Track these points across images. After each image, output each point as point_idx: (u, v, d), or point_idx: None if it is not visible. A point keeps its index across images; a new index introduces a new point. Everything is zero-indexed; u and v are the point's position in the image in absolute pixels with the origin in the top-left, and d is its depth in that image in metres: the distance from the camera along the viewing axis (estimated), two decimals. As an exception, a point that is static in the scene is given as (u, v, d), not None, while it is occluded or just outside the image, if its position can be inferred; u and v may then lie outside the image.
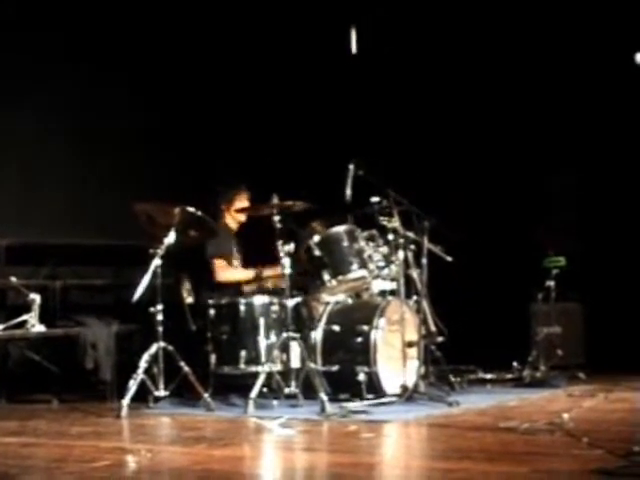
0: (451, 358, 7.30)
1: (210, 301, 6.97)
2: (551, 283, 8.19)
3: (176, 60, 8.92)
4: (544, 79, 8.95)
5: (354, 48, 9.35)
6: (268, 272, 7.26)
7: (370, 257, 6.97)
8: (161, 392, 6.53)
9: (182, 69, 9.00)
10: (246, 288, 7.35)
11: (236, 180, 7.64)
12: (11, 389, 7.35)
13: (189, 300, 7.34)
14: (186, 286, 7.37)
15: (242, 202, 7.49)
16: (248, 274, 7.35)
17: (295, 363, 6.64)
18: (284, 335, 6.60)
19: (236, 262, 7.48)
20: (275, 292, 7.00)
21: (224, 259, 7.36)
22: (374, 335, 6.66)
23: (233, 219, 7.53)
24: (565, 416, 5.43)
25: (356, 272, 6.91)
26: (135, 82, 8.76)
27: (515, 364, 7.83)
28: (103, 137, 8.51)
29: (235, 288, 7.32)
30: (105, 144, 8.52)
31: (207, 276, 7.33)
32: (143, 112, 8.80)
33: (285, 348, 6.65)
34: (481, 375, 7.78)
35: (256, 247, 7.37)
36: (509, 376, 7.75)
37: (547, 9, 8.79)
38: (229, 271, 7.37)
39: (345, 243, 6.95)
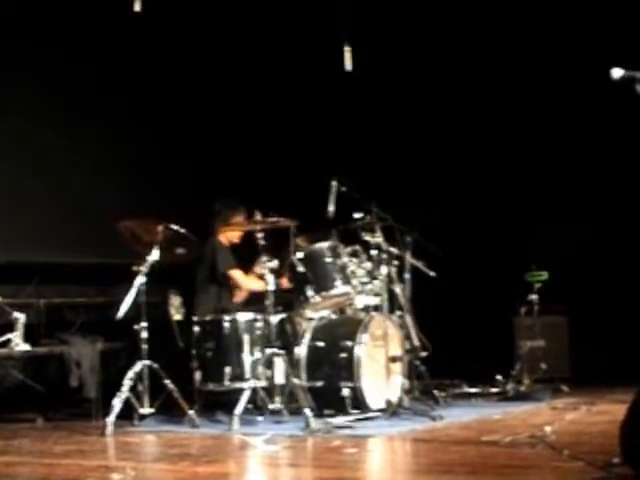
0: (435, 373, 7.33)
1: (195, 318, 7.00)
2: (534, 297, 8.26)
3: (167, 77, 8.92)
4: (523, 96, 9.01)
5: (349, 66, 9.33)
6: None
7: (353, 273, 6.99)
8: (146, 410, 6.54)
9: (174, 87, 9.00)
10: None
11: (234, 200, 7.64)
12: (-4, 408, 7.35)
13: (177, 317, 7.35)
14: (174, 303, 7.38)
15: (237, 220, 7.45)
16: (262, 284, 7.05)
17: (279, 379, 6.65)
18: (268, 351, 6.62)
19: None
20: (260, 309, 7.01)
21: (238, 269, 7.38)
22: (358, 351, 6.68)
23: (225, 236, 7.53)
24: (547, 429, 5.46)
25: (339, 288, 6.92)
26: (125, 99, 8.74)
27: (499, 378, 7.84)
28: (88, 156, 8.51)
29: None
30: (91, 163, 8.52)
31: (226, 290, 7.35)
32: (130, 131, 8.80)
33: (269, 364, 6.66)
34: (465, 389, 7.80)
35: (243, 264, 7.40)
36: (493, 390, 7.75)
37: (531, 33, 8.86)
38: (250, 280, 7.39)
39: (328, 259, 6.96)
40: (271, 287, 6.62)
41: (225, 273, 7.35)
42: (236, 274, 7.38)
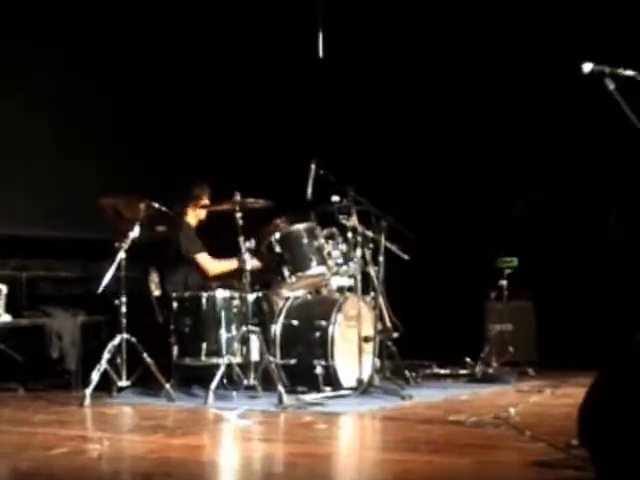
0: (406, 353, 7.32)
1: (174, 294, 7.00)
2: (504, 282, 8.28)
3: (148, 61, 8.91)
4: (495, 87, 9.01)
5: (321, 52, 9.35)
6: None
7: (329, 254, 7.01)
8: (124, 382, 6.56)
9: (153, 70, 8.98)
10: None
11: (199, 179, 7.65)
12: (-23, 377, 7.34)
13: (157, 293, 7.35)
14: (154, 279, 7.38)
15: (204, 200, 7.50)
16: (233, 264, 7.18)
17: (255, 356, 6.68)
18: (244, 329, 6.64)
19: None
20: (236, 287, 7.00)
21: (205, 252, 7.37)
22: (332, 330, 6.71)
23: (195, 216, 7.53)
24: (511, 410, 5.49)
25: (315, 269, 6.95)
26: (109, 82, 8.70)
27: (468, 360, 7.88)
28: (74, 133, 8.47)
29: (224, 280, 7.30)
30: (76, 139, 8.47)
31: (195, 272, 7.33)
32: (113, 111, 8.77)
33: (245, 341, 6.68)
34: (435, 370, 7.82)
35: (221, 242, 7.37)
36: (462, 371, 7.79)
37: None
38: (217, 263, 7.38)
39: (305, 240, 6.98)
40: (248, 266, 6.63)
41: (189, 257, 7.34)
42: (200, 258, 7.34)
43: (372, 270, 7.07)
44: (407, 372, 7.20)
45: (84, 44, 8.44)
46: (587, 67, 4.32)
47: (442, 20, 9.18)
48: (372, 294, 7.02)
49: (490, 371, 7.73)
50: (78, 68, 8.44)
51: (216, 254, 7.46)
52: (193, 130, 9.12)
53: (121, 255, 6.59)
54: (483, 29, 8.96)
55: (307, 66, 9.35)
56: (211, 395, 6.27)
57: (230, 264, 7.27)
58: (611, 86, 4.29)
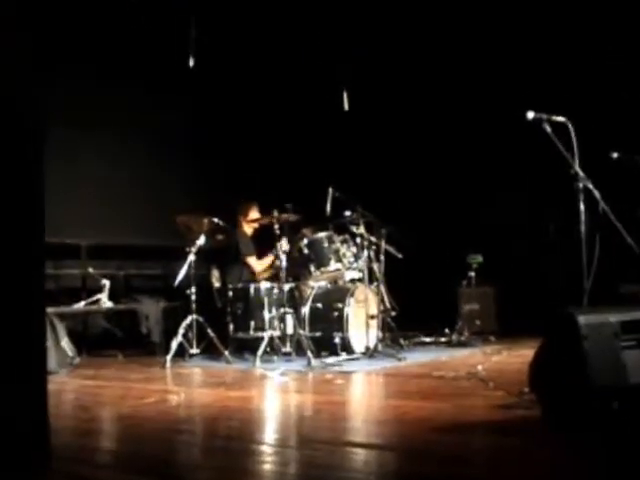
0: (401, 327, 7.30)
1: (229, 286, 7.01)
2: (472, 274, 8.27)
3: (215, 107, 8.91)
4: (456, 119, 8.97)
5: (346, 106, 9.21)
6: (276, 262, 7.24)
7: (344, 254, 6.99)
8: (194, 350, 6.59)
9: (220, 113, 8.99)
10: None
11: (249, 197, 7.66)
12: (90, 347, 7.38)
13: (216, 285, 7.36)
14: (215, 274, 7.40)
15: (254, 213, 7.49)
16: (270, 259, 7.31)
17: (289, 330, 6.68)
18: (282, 310, 6.65)
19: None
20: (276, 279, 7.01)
21: (254, 256, 7.38)
22: (346, 310, 6.70)
23: (249, 227, 7.55)
24: (479, 367, 5.50)
25: (333, 265, 6.93)
26: (184, 111, 8.70)
27: (446, 331, 7.85)
28: (159, 164, 8.50)
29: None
30: (159, 171, 8.53)
31: (247, 269, 7.33)
32: (185, 147, 8.79)
33: (282, 319, 6.69)
34: (422, 339, 7.79)
35: (266, 244, 7.37)
36: (442, 339, 7.75)
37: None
38: (260, 264, 7.39)
39: (326, 244, 6.97)
40: (284, 264, 6.63)
41: (243, 258, 7.35)
42: (250, 260, 7.35)
43: (375, 266, 7.06)
44: (402, 341, 7.18)
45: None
46: (530, 114, 4.31)
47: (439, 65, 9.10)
48: (376, 283, 7.01)
49: (463, 339, 7.70)
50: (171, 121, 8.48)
51: (260, 253, 7.49)
52: (246, 164, 9.12)
53: (191, 257, 6.62)
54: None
55: (330, 117, 9.30)
56: (258, 359, 6.27)
57: (268, 260, 7.33)
58: (548, 129, 4.28)
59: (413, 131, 9.37)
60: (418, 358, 6.52)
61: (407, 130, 9.41)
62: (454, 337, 7.70)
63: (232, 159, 9.11)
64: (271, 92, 9.22)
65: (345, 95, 9.10)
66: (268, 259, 7.38)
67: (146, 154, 8.43)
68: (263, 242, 7.44)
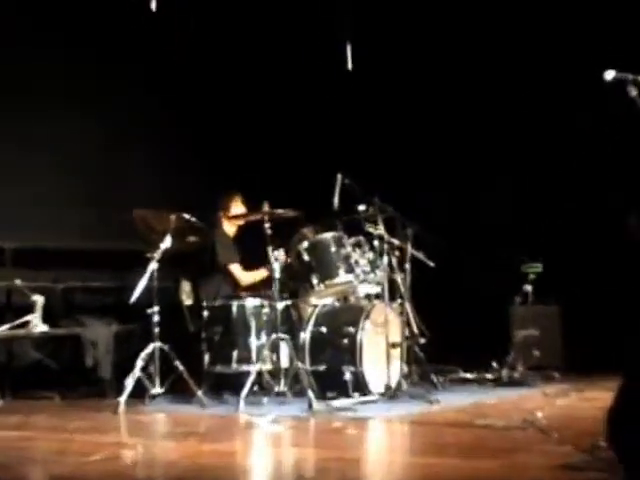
0: (433, 358, 7.31)
1: (204, 303, 7.01)
2: (528, 287, 8.26)
3: (189, 83, 9.00)
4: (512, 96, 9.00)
5: (350, 65, 9.28)
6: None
7: (356, 262, 6.97)
8: (157, 390, 6.58)
9: (193, 90, 9.08)
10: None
11: (230, 187, 7.67)
12: (15, 385, 7.35)
13: (188, 302, 7.36)
14: (185, 288, 7.40)
15: (237, 207, 7.51)
16: (264, 273, 7.33)
17: (284, 363, 6.68)
18: (274, 336, 6.64)
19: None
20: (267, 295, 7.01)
21: (238, 263, 7.39)
22: (360, 336, 6.69)
23: (231, 225, 7.55)
24: (538, 414, 5.47)
25: (343, 277, 6.91)
26: (149, 99, 8.82)
27: (494, 364, 7.84)
28: (106, 151, 8.54)
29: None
30: (108, 157, 8.54)
31: (228, 281, 7.37)
32: (145, 128, 8.84)
33: (275, 348, 6.68)
34: (461, 375, 7.78)
35: (253, 251, 7.37)
36: (488, 376, 7.73)
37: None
38: (248, 274, 7.41)
39: (333, 249, 6.96)
40: (277, 275, 6.63)
41: (223, 267, 7.35)
42: (233, 269, 7.37)
43: (399, 277, 7.06)
44: (434, 377, 7.17)
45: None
46: (609, 75, 4.30)
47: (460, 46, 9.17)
48: (399, 301, 7.01)
49: (516, 375, 7.68)
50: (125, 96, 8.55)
51: (246, 262, 7.48)
52: (227, 144, 9.14)
53: (153, 265, 6.62)
54: (504, 44, 8.94)
55: (333, 80, 9.32)
56: (242, 402, 6.26)
57: (261, 274, 7.33)
58: (633, 92, 4.27)
59: (447, 100, 9.37)
60: (456, 401, 6.50)
61: (439, 99, 9.40)
62: (504, 373, 7.69)
63: (207, 138, 9.12)
64: (259, 48, 9.25)
65: (349, 50, 9.15)
66: (260, 273, 7.36)
67: (94, 134, 8.46)
68: (250, 248, 7.44)
